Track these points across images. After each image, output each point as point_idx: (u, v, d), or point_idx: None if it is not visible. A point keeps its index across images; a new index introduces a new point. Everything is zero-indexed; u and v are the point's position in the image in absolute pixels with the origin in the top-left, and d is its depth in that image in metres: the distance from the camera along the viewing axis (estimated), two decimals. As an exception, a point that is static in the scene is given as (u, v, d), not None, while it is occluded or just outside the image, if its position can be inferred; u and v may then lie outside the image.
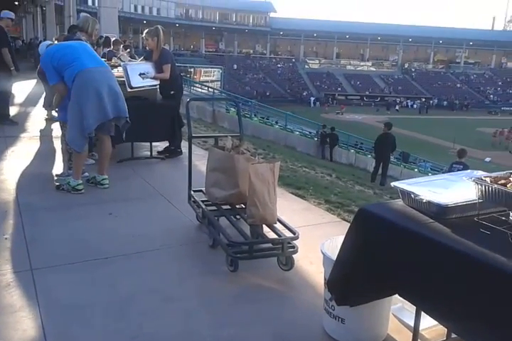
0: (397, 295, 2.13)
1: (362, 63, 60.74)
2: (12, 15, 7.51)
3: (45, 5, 23.33)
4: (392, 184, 1.98)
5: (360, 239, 1.90)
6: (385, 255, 1.79)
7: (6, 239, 3.17)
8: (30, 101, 9.41)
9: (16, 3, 31.44)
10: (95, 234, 3.31)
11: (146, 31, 5.36)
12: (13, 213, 3.63)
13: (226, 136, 3.39)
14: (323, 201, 4.44)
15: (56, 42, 7.45)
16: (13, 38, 18.40)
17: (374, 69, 59.72)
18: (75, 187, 4.06)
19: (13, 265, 2.79)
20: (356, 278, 1.93)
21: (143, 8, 49.65)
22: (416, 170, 17.76)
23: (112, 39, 9.87)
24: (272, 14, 58.55)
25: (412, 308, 2.03)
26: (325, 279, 2.15)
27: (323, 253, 2.19)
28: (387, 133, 11.31)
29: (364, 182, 9.36)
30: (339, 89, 54.30)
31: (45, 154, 5.58)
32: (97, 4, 18.37)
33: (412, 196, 1.82)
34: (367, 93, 53.71)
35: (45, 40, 16.83)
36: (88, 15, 4.96)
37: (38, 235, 3.24)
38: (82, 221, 3.54)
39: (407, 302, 2.28)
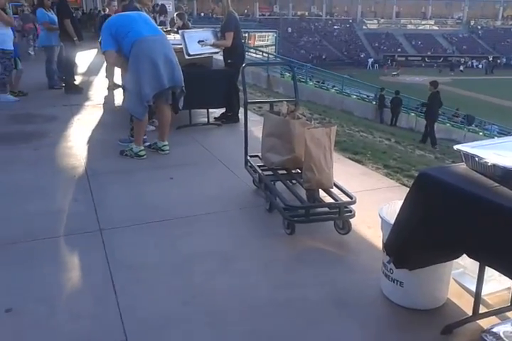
0: (457, 260, 2.11)
1: (423, 22, 57.36)
2: None
3: (102, -26, 23.65)
4: (455, 147, 1.91)
5: (421, 202, 1.86)
6: (448, 219, 1.76)
7: (75, 201, 3.38)
8: (92, 71, 9.70)
9: (74, -27, 32.04)
10: (158, 197, 3.45)
11: None
12: (81, 178, 3.83)
13: (281, 101, 3.37)
14: (381, 166, 4.37)
15: (107, 10, 7.61)
16: (74, 9, 18.83)
17: (437, 28, 56.34)
18: (138, 153, 4.21)
19: (84, 226, 2.97)
20: (416, 241, 1.91)
21: (196, -27, 48.96)
22: (481, 133, 16.92)
23: (168, 6, 9.91)
24: (328, -27, 56.13)
25: (474, 273, 2.00)
26: (383, 243, 2.15)
27: (381, 217, 2.18)
28: (435, 92, 11.09)
29: (425, 147, 9.09)
30: (399, 50, 51.87)
31: (107, 121, 5.79)
32: (151, -29, 18.39)
33: (476, 159, 1.75)
34: (429, 53, 51.04)
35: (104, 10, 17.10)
36: None
37: (105, 198, 3.42)
38: (145, 185, 3.69)
39: (468, 267, 2.25)
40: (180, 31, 5.39)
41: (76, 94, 7.33)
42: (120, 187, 3.64)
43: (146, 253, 2.67)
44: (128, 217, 3.10)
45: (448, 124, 16.97)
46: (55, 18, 7.34)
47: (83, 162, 4.21)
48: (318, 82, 18.76)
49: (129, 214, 3.15)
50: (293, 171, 3.29)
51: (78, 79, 8.25)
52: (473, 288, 2.02)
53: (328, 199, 2.99)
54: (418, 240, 1.90)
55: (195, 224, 3.03)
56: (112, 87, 7.54)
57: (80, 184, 3.71)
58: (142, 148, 4.24)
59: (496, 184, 1.67)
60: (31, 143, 4.76)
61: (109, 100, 7.07)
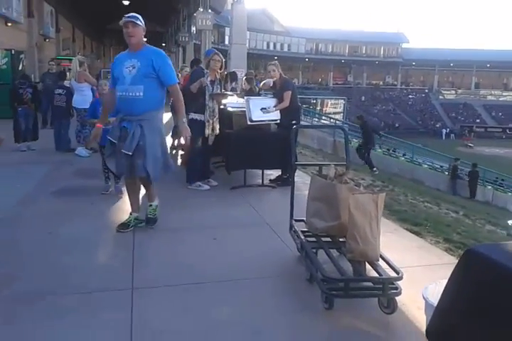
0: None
1: (505, 93, 55.98)
2: None
3: (185, 45, 25.59)
4: (510, 222, 1.67)
5: (466, 284, 1.61)
6: (498, 306, 1.49)
7: (115, 256, 3.35)
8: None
9: (164, 44, 35.24)
10: (197, 258, 3.34)
11: (272, 63, 5.53)
12: (127, 233, 3.82)
13: (330, 164, 3.23)
14: (441, 240, 4.03)
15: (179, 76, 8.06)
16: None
17: (520, 100, 54.70)
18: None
19: (117, 283, 2.90)
20: (462, 329, 1.63)
21: (275, 44, 51.95)
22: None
23: (240, 73, 10.42)
24: (404, 45, 57.16)
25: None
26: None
27: (424, 298, 1.92)
28: (364, 122, 13.43)
29: (498, 222, 8.37)
30: (478, 120, 50.64)
31: (167, 179, 5.82)
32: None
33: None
34: (511, 125, 49.26)
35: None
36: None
37: (145, 255, 3.36)
38: (188, 244, 3.62)
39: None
40: (245, 97, 5.51)
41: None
42: (162, 245, 3.58)
43: (172, 319, 2.53)
44: (163, 278, 3.00)
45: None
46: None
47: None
48: (389, 150, 18.44)
49: (165, 275, 3.05)
50: (340, 239, 3.07)
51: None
52: None
53: (373, 274, 2.73)
54: (464, 328, 1.63)
55: (229, 291, 2.86)
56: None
57: (124, 239, 3.70)
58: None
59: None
60: (90, 197, 4.90)
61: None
